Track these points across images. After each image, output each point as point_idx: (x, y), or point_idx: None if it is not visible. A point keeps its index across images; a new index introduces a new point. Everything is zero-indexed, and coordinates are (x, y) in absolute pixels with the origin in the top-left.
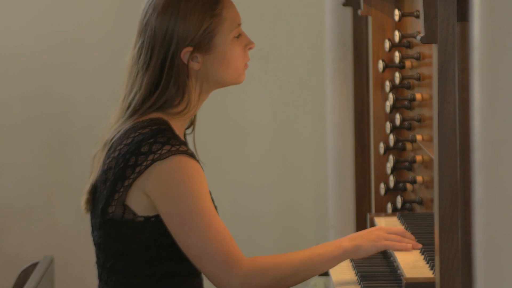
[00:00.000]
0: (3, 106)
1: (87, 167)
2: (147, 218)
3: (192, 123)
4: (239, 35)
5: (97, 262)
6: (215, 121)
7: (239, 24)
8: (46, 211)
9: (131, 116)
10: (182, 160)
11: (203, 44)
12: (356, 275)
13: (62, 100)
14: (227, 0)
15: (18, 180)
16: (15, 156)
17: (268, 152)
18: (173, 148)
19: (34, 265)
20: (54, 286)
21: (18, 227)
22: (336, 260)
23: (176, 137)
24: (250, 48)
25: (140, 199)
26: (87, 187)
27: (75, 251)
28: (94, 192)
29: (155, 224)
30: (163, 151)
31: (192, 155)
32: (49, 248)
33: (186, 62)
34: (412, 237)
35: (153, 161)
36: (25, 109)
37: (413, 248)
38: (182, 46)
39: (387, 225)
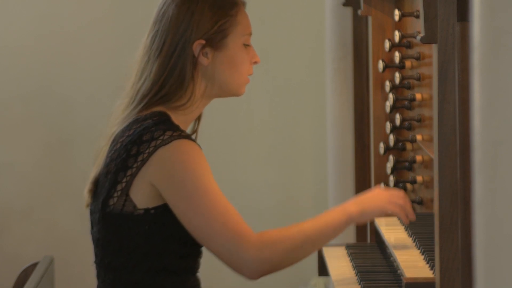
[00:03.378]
0: (3, 106)
1: (87, 167)
2: (146, 211)
3: (195, 131)
4: (248, 46)
5: (95, 261)
6: (216, 120)
7: (250, 34)
8: (46, 211)
9: (138, 105)
10: (184, 143)
11: (215, 40)
12: (356, 275)
13: (62, 100)
14: (242, 7)
15: (18, 180)
16: (15, 156)
17: (269, 152)
18: (175, 133)
19: (34, 265)
20: (54, 286)
21: (18, 227)
22: (343, 226)
23: (177, 125)
24: (255, 62)
25: (143, 189)
26: (90, 177)
27: (75, 251)
28: (96, 185)
29: (154, 216)
30: (165, 137)
31: (194, 140)
32: (49, 248)
33: (196, 55)
34: (411, 213)
35: (156, 147)
36: (25, 109)
37: (409, 218)
38: (196, 38)
39: (387, 225)
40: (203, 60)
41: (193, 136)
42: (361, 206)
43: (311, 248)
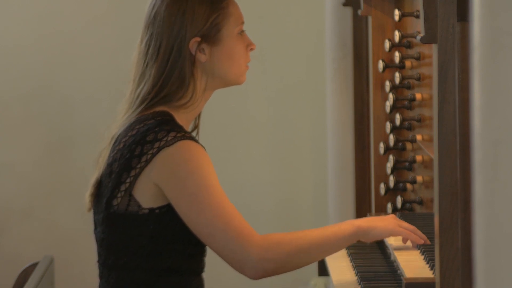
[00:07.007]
0: (3, 106)
1: (87, 166)
2: (151, 210)
3: (196, 126)
4: (242, 32)
5: (98, 261)
6: (216, 120)
7: (243, 23)
8: (46, 211)
9: (138, 107)
10: (187, 144)
11: (210, 35)
12: (356, 275)
13: (62, 100)
14: None
15: (18, 180)
16: (15, 156)
17: (268, 152)
18: (178, 134)
19: (34, 265)
20: (54, 286)
21: (18, 227)
22: (348, 238)
23: (180, 126)
24: (251, 49)
25: (147, 189)
26: (92, 180)
27: (75, 251)
28: (98, 187)
29: (159, 216)
30: (169, 138)
31: (197, 141)
32: (49, 248)
33: (193, 52)
34: (424, 236)
35: (160, 148)
36: (25, 109)
37: (425, 243)
38: (190, 37)
39: None
40: (201, 57)
41: (195, 133)
42: (371, 223)
43: (316, 254)
